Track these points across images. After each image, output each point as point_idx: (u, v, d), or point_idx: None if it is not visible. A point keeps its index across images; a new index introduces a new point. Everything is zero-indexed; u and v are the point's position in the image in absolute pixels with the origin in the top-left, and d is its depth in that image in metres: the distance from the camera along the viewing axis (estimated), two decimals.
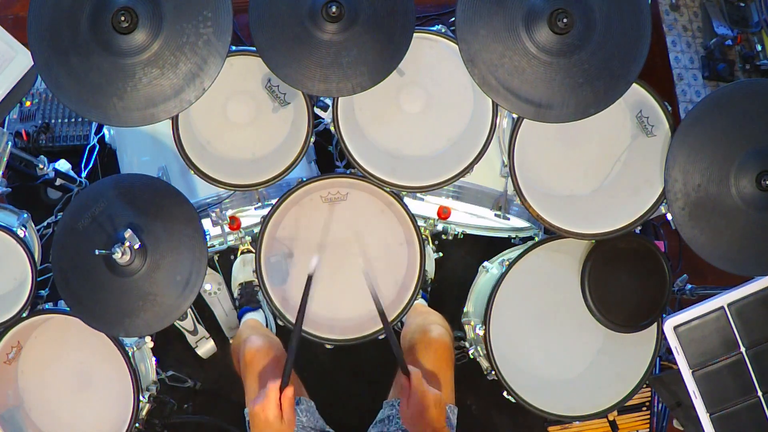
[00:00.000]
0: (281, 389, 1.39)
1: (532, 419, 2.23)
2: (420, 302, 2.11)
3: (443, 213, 1.96)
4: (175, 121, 1.62)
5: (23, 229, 1.68)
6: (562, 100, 1.46)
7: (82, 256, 1.52)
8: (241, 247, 2.10)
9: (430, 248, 2.18)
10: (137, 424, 1.68)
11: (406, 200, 1.78)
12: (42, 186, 2.24)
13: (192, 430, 2.20)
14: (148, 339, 1.79)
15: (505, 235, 2.09)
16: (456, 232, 2.07)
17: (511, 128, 1.61)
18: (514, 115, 1.61)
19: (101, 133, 2.32)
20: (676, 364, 1.55)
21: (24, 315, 1.64)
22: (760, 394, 1.54)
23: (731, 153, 1.49)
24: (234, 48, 1.61)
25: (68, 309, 1.60)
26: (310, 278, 1.47)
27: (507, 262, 1.75)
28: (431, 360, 1.67)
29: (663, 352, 1.79)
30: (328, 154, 2.25)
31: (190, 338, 2.21)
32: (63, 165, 2.27)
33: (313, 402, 1.70)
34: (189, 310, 2.10)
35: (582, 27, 1.42)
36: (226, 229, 1.91)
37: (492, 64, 1.45)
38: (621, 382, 1.77)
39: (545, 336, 1.84)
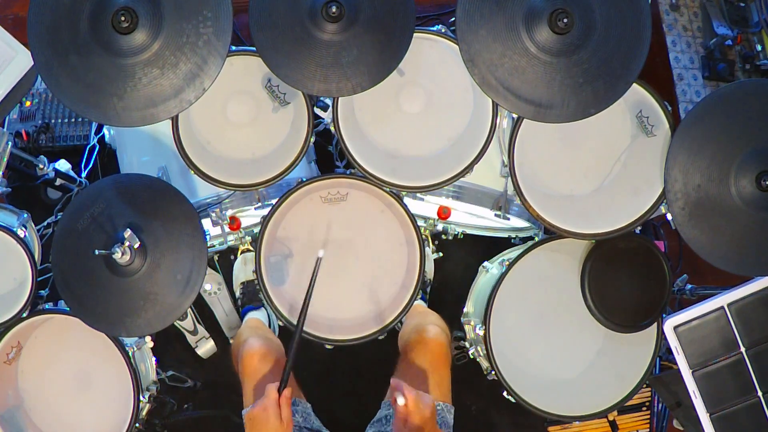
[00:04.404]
0: (280, 391, 1.41)
1: (532, 419, 2.23)
2: (419, 303, 2.11)
3: (443, 213, 1.96)
4: (175, 121, 1.62)
5: (23, 229, 1.68)
6: (562, 100, 1.46)
7: (82, 257, 1.52)
8: (241, 247, 2.10)
9: (429, 249, 2.18)
10: (137, 424, 1.68)
11: (406, 200, 1.78)
12: (42, 186, 2.23)
13: (192, 427, 2.20)
14: (148, 339, 1.79)
15: (505, 235, 2.09)
16: (456, 232, 2.06)
17: (511, 128, 1.61)
18: (514, 115, 1.61)
19: (101, 133, 2.31)
20: (676, 364, 1.55)
21: (24, 315, 1.64)
22: (760, 394, 1.54)
23: (731, 153, 1.49)
24: (234, 48, 1.61)
25: (68, 309, 1.60)
26: (319, 260, 1.49)
27: (507, 262, 1.75)
28: (427, 360, 1.68)
29: (663, 352, 1.79)
30: (328, 154, 2.25)
31: (190, 338, 2.21)
32: (63, 165, 2.27)
33: (309, 404, 1.70)
34: (189, 310, 2.10)
35: (582, 27, 1.42)
36: (226, 229, 1.91)
37: (492, 64, 1.45)
38: (621, 382, 1.77)
39: (545, 336, 1.84)
